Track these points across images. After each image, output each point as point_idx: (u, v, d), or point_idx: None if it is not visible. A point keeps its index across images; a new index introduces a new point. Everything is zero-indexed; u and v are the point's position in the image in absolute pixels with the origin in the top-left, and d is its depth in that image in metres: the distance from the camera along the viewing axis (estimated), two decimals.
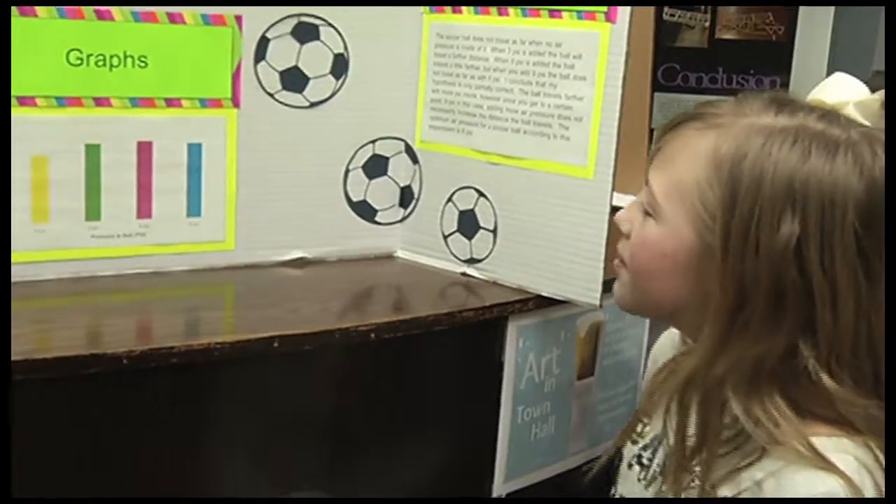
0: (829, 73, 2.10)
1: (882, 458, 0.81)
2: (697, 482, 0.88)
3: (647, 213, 0.93)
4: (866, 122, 0.88)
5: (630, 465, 1.03)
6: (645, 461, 1.02)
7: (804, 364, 0.83)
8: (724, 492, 0.86)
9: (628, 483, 1.03)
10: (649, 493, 0.99)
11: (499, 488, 1.23)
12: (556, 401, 1.27)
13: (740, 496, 0.85)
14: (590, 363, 1.31)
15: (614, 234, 1.01)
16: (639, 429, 1.05)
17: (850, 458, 0.82)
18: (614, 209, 1.14)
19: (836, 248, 0.81)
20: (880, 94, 0.90)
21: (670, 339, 1.11)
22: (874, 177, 0.82)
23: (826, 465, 0.80)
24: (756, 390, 0.84)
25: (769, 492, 0.83)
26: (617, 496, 1.05)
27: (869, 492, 0.80)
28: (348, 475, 1.10)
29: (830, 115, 0.88)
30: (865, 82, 0.92)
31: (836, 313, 0.81)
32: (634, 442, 1.04)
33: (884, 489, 0.80)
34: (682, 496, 0.90)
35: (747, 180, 0.83)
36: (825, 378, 0.83)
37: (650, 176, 0.93)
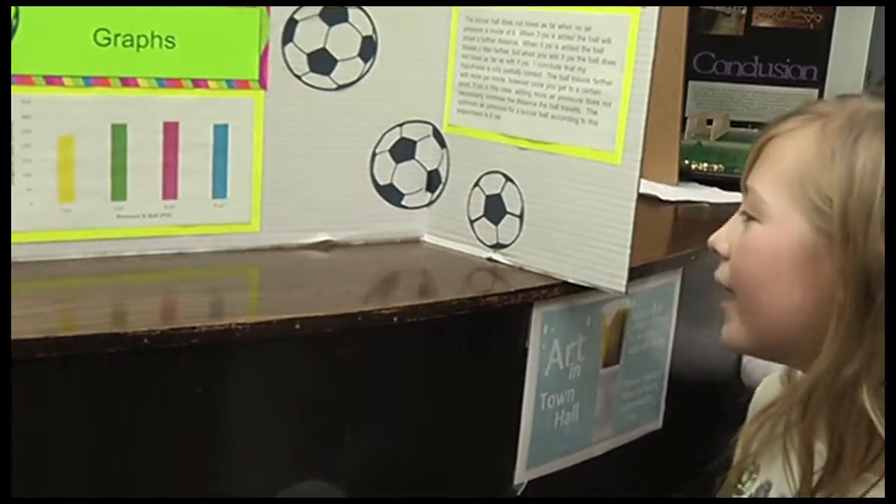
0: (869, 62, 2.07)
1: None
2: None
3: (749, 220, 0.87)
4: None
5: None
6: None
7: None
8: None
9: None
10: None
11: (520, 475, 1.22)
12: (581, 388, 1.26)
13: None
14: (615, 351, 1.30)
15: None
16: (743, 478, 0.97)
17: None
18: (642, 196, 1.13)
19: None
20: None
21: (771, 385, 1.02)
22: None
23: None
24: None
25: None
26: None
27: None
28: (367, 459, 1.09)
29: None
30: None
31: None
32: (738, 493, 0.97)
33: None
34: None
35: (863, 158, 0.77)
36: None
37: (751, 181, 0.87)
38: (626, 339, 1.31)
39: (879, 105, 0.81)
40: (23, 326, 0.88)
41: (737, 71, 2.22)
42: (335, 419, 1.07)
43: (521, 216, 1.23)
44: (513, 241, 1.25)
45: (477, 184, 1.28)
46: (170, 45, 1.13)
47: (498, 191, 1.26)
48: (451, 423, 1.16)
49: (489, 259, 1.27)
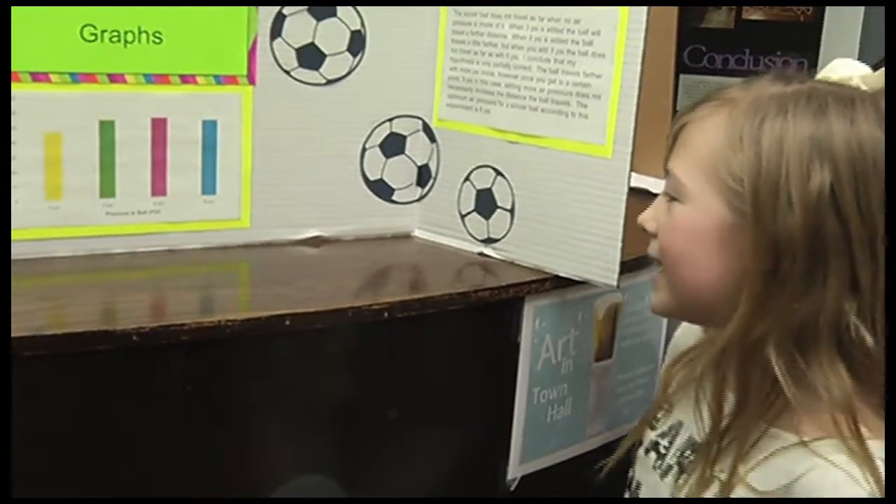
0: (860, 54, 2.07)
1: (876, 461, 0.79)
2: (724, 474, 0.86)
3: (671, 200, 0.92)
4: None
5: (647, 451, 1.03)
6: (661, 449, 1.01)
7: (848, 324, 0.81)
8: (755, 476, 0.84)
9: (644, 469, 1.02)
10: (664, 484, 0.97)
11: (514, 470, 1.22)
12: (573, 383, 1.26)
13: (770, 494, 0.83)
14: (608, 345, 1.30)
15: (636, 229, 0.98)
16: (658, 415, 1.04)
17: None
18: (633, 189, 1.12)
19: (871, 191, 0.80)
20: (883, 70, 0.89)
21: (691, 329, 1.08)
22: None
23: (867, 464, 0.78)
24: (811, 352, 0.82)
25: (798, 493, 0.81)
26: (634, 481, 1.04)
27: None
28: (360, 456, 1.09)
29: (839, 82, 0.88)
30: None
31: (876, 259, 0.80)
32: (652, 428, 1.03)
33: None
34: (705, 490, 0.88)
35: (768, 140, 0.83)
36: (867, 337, 0.81)
37: (670, 165, 0.93)
38: (619, 332, 1.31)
39: (780, 88, 0.87)
40: (12, 324, 0.88)
41: (728, 64, 2.22)
42: (326, 415, 1.07)
43: (511, 210, 1.23)
44: (504, 236, 1.24)
45: (467, 178, 1.28)
46: (157, 40, 1.12)
47: (488, 185, 1.25)
48: (442, 419, 1.16)
49: (480, 254, 1.27)
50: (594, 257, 1.14)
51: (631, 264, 1.20)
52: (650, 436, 1.03)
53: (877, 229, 0.80)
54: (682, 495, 0.93)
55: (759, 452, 0.85)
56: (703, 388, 0.91)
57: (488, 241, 1.26)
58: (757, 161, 0.83)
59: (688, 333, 1.09)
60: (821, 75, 0.92)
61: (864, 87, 0.88)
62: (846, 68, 0.90)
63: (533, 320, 1.18)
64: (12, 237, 1.06)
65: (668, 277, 0.94)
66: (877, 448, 0.79)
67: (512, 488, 1.22)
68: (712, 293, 0.89)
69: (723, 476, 0.86)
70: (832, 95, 0.84)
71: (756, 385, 0.85)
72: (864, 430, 0.80)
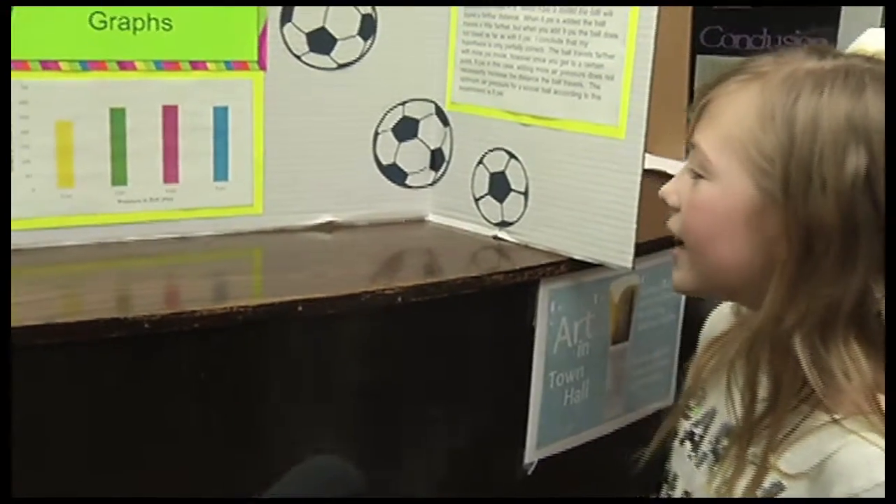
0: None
1: None
2: (758, 457, 0.84)
3: (697, 177, 0.88)
4: None
5: (682, 442, 1.00)
6: (696, 438, 0.98)
7: (877, 308, 0.79)
8: (788, 457, 0.83)
9: (680, 459, 0.99)
10: (700, 472, 0.95)
11: (531, 454, 1.21)
12: (590, 366, 1.25)
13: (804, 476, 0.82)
14: (624, 328, 1.29)
15: (663, 210, 0.95)
16: (691, 403, 1.00)
17: None
18: (647, 171, 1.11)
19: None
20: None
21: (722, 316, 1.05)
22: None
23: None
24: (830, 338, 0.80)
25: (831, 471, 0.79)
26: (671, 473, 1.02)
27: None
28: (374, 441, 1.09)
29: (874, 58, 0.84)
30: None
31: None
32: (686, 417, 1.00)
33: None
34: (739, 476, 0.86)
35: (802, 120, 0.79)
36: None
37: (696, 138, 0.89)
38: (635, 315, 1.30)
39: (816, 63, 0.83)
40: (24, 313, 0.88)
41: (745, 44, 2.20)
42: (340, 400, 1.07)
43: (525, 193, 1.22)
44: (518, 219, 1.23)
45: (481, 161, 1.27)
46: (167, 27, 1.12)
47: (502, 168, 1.24)
48: (458, 404, 1.15)
49: (494, 237, 1.26)
50: (609, 239, 1.13)
51: (647, 246, 1.19)
52: (684, 425, 1.00)
53: None
54: (716, 482, 0.90)
55: (792, 433, 0.83)
56: (734, 374, 0.88)
57: (502, 224, 1.25)
58: (790, 141, 0.80)
59: (719, 321, 1.06)
60: (854, 47, 0.88)
61: None
62: (880, 41, 0.86)
63: (548, 303, 1.18)
64: (25, 226, 1.07)
65: (691, 256, 0.91)
66: None
67: (529, 472, 1.22)
68: (737, 275, 0.87)
69: (757, 461, 0.84)
70: (870, 73, 0.80)
71: (789, 373, 0.82)
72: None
